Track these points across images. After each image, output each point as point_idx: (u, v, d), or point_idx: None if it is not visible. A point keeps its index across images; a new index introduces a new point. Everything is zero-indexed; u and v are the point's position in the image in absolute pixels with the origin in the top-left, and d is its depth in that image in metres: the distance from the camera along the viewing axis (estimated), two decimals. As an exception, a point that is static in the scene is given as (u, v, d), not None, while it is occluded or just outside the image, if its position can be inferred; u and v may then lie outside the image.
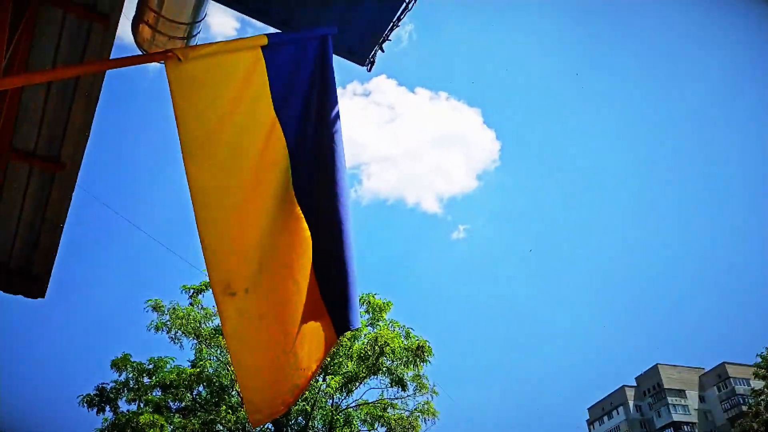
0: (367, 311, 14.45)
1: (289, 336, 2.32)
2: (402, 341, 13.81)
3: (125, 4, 3.67)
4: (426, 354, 13.74)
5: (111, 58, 3.65)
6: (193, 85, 2.13)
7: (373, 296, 14.46)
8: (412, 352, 13.72)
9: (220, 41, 2.32)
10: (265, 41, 2.27)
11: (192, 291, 15.73)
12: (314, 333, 2.36)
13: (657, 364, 55.63)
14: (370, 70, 3.22)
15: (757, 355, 32.62)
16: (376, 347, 13.35)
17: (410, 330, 14.25)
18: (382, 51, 3.19)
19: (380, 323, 14.32)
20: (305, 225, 2.38)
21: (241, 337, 2.32)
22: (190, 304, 15.60)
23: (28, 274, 4.81)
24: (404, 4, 2.92)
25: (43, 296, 4.99)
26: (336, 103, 2.46)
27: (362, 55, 3.19)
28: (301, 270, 2.37)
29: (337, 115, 2.45)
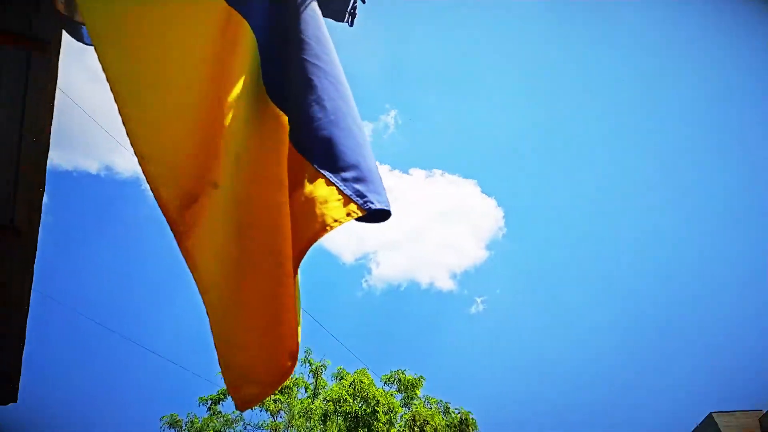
0: (399, 390, 13.29)
1: (282, 254, 1.62)
2: (442, 418, 12.56)
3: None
4: (471, 428, 12.44)
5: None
6: None
7: (403, 373, 13.36)
8: (455, 428, 12.43)
9: None
10: None
11: (210, 401, 14.65)
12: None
13: (711, 412, 51.95)
14: (351, 25, 2.68)
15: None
16: (416, 428, 12.10)
17: (448, 404, 13.04)
18: (363, 1, 2.66)
19: (415, 401, 13.12)
20: (285, 122, 1.77)
21: (216, 256, 1.65)
22: (210, 415, 14.47)
23: (-7, 375, 4.05)
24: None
25: (15, 400, 4.21)
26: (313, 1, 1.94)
27: (339, 8, 2.67)
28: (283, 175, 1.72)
29: None
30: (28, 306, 3.93)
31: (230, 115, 1.70)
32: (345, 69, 2.27)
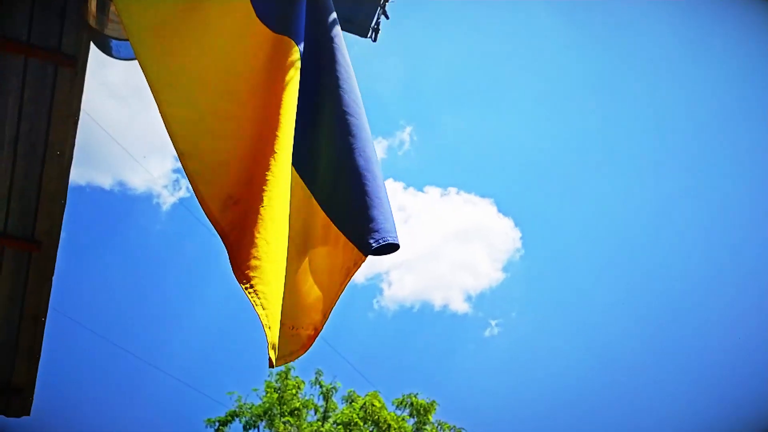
0: (411, 414, 13.09)
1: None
2: (455, 444, 12.35)
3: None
4: (483, 455, 12.20)
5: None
6: None
7: (415, 396, 13.17)
8: (467, 454, 12.20)
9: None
10: None
11: (217, 423, 14.53)
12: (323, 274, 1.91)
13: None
14: (375, 40, 2.70)
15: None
16: (428, 454, 11.90)
17: (462, 430, 12.82)
18: (387, 17, 2.69)
19: (427, 426, 12.92)
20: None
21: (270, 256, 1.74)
22: (217, 437, 14.33)
23: (8, 387, 4.06)
24: (404, -54, 2.46)
25: (28, 413, 4.21)
26: (336, 24, 1.97)
27: (363, 23, 2.70)
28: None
29: (338, 37, 1.97)
30: (45, 318, 3.94)
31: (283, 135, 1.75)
32: (359, 84, 2.30)
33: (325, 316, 1.88)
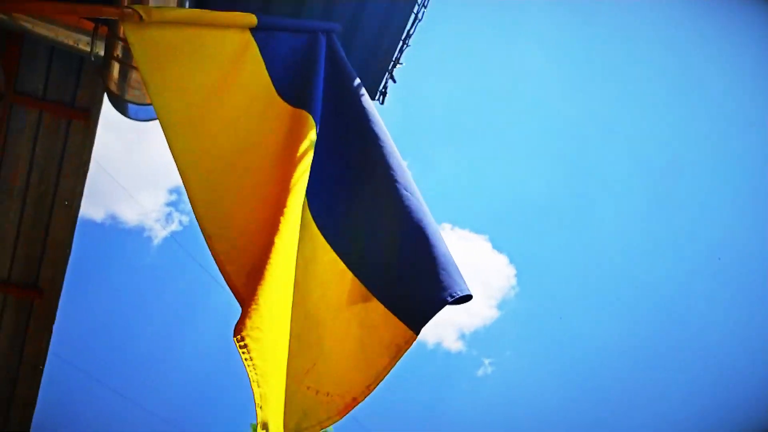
0: (403, 458, 12.84)
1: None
2: (448, 489, 12.07)
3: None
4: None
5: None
6: (166, 54, 1.72)
7: (407, 440, 12.95)
8: (461, 500, 11.92)
9: (194, 9, 1.93)
10: (254, 21, 1.90)
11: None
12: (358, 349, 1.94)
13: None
14: (382, 103, 2.81)
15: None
16: (421, 500, 11.62)
17: (455, 475, 12.54)
18: (394, 81, 2.79)
19: (420, 471, 12.65)
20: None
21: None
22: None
23: (3, 435, 4.00)
24: (413, 16, 2.57)
25: (20, 462, 4.13)
26: (359, 95, 2.06)
27: (370, 85, 2.80)
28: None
29: (366, 113, 2.06)
30: (43, 367, 3.92)
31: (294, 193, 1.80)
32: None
33: (369, 389, 1.93)
